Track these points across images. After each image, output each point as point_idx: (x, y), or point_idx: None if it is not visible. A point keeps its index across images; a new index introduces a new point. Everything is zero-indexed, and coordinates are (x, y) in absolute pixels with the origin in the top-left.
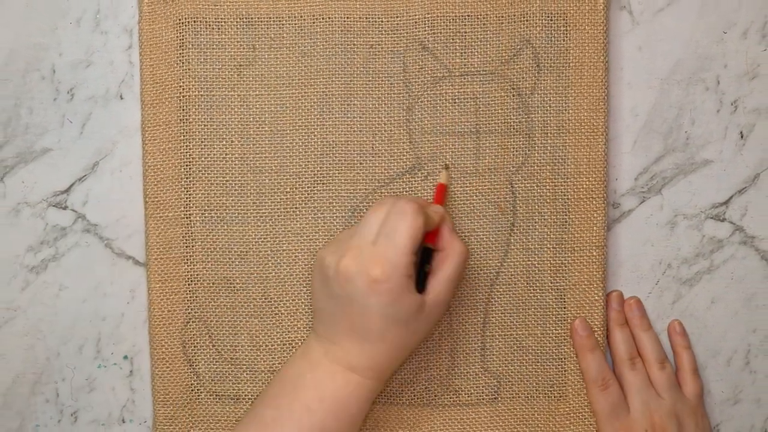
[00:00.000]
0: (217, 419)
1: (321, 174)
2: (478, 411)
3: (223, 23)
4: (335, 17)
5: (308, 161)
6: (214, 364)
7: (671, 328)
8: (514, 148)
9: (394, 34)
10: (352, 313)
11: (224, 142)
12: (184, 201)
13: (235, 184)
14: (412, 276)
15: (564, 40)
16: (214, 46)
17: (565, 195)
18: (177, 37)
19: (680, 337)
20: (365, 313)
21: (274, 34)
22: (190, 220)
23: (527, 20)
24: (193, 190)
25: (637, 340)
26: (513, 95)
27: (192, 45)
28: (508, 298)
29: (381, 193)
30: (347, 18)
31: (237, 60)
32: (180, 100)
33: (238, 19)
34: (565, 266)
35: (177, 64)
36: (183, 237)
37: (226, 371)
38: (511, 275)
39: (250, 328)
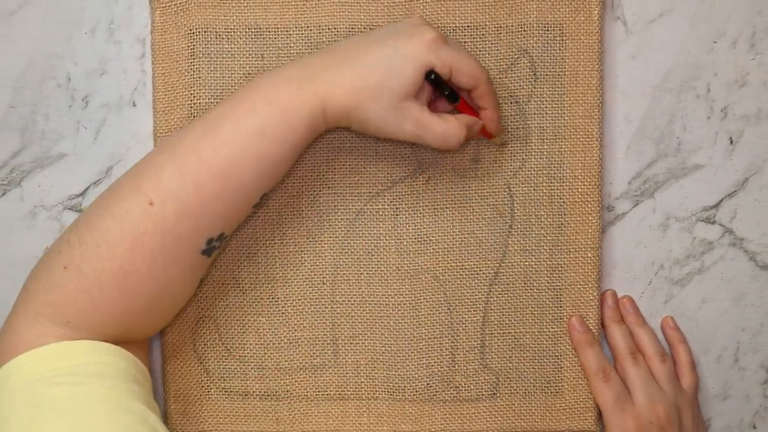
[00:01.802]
0: (226, 414)
1: (326, 177)
2: (478, 406)
3: (232, 33)
4: (340, 27)
5: (314, 165)
6: (223, 362)
7: (665, 323)
8: (511, 153)
9: None
10: (368, 36)
11: None
12: None
13: None
14: (428, 72)
15: (560, 50)
16: (224, 55)
17: (561, 198)
18: (188, 46)
19: (675, 332)
20: (377, 42)
21: (282, 44)
22: None
23: (524, 30)
24: None
25: (634, 335)
26: (511, 102)
27: (202, 54)
28: (506, 297)
29: (384, 196)
30: (351, 28)
31: (246, 68)
32: (191, 107)
33: (247, 29)
34: (562, 267)
35: (188, 72)
36: None
37: (235, 368)
38: (510, 275)
39: (258, 326)
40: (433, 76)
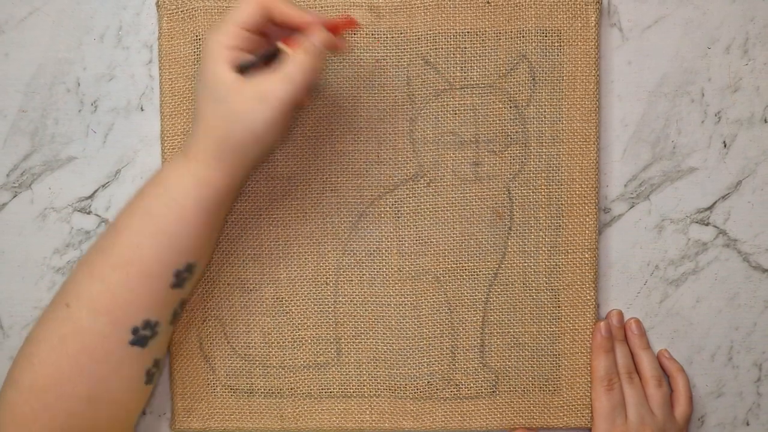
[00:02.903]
0: (232, 411)
1: (329, 181)
2: (478, 404)
3: None
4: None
5: (318, 169)
6: (229, 360)
7: (660, 356)
8: (511, 156)
9: (399, 49)
10: (196, 83)
11: None
12: None
13: (249, 190)
14: (234, 53)
15: (558, 55)
16: None
17: (559, 201)
18: (194, 52)
19: (671, 362)
20: (198, 81)
21: None
22: None
23: (523, 36)
24: None
25: (635, 357)
26: (510, 107)
27: None
28: (505, 297)
29: (386, 199)
30: (354, 34)
31: None
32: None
33: None
34: (560, 268)
35: (194, 77)
36: None
37: (240, 366)
38: (509, 276)
39: (263, 326)
40: (240, 68)
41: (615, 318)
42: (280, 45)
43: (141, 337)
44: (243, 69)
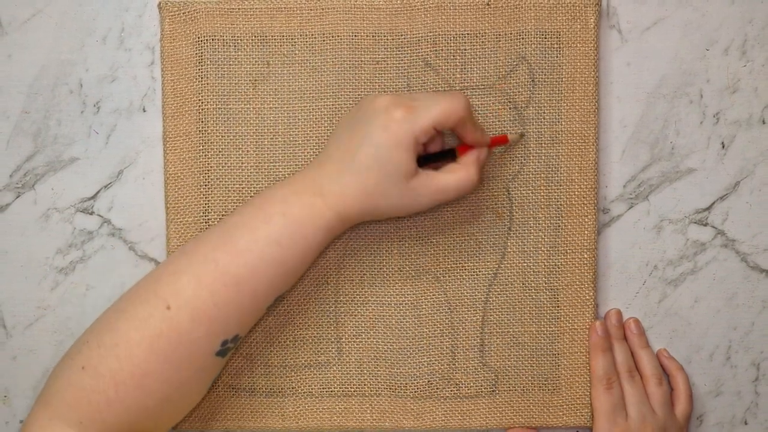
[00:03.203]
0: (233, 411)
1: None
2: (478, 403)
3: (239, 41)
4: (344, 35)
5: None
6: (231, 359)
7: (660, 355)
8: (510, 157)
9: (399, 51)
10: (353, 136)
11: (240, 152)
12: (203, 207)
13: (251, 191)
14: (419, 146)
15: (557, 57)
16: (231, 63)
17: (558, 201)
18: (196, 54)
19: (670, 361)
20: (362, 142)
21: (287, 51)
22: (209, 225)
23: (523, 38)
24: (212, 197)
25: (635, 356)
26: (510, 108)
27: (210, 61)
28: (505, 297)
29: None
30: (355, 36)
31: (252, 75)
32: (199, 112)
33: (254, 38)
34: (559, 268)
35: (196, 79)
36: None
37: (242, 366)
38: (508, 276)
39: (265, 325)
40: (422, 158)
41: (614, 317)
42: (457, 152)
43: (226, 348)
44: (420, 163)
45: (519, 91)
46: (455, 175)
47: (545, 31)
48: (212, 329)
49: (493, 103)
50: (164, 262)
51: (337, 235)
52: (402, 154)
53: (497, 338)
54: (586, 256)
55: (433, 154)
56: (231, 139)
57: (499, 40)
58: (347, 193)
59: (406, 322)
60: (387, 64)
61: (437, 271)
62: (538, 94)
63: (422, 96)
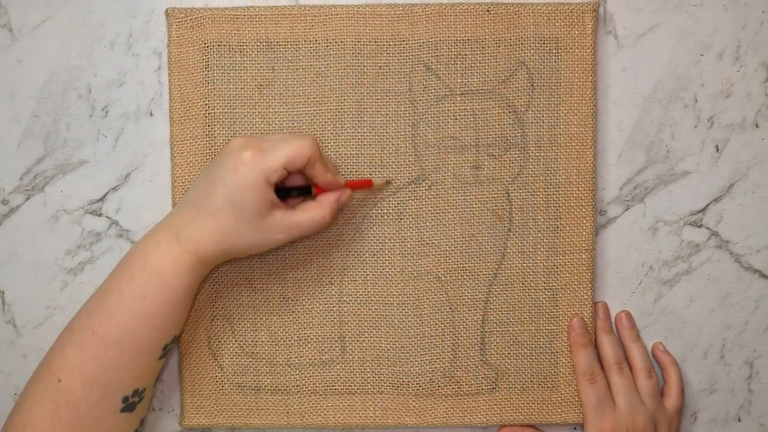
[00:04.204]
0: (239, 408)
1: None
2: (478, 400)
3: (244, 47)
4: (347, 41)
5: None
6: (236, 358)
7: (655, 348)
8: (510, 160)
9: (401, 56)
10: (207, 182)
11: None
12: None
13: None
14: (271, 185)
15: (556, 62)
16: (237, 68)
17: (557, 203)
18: (202, 59)
19: (665, 355)
20: (216, 184)
21: (292, 57)
22: None
23: (522, 44)
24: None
25: (626, 349)
26: (509, 112)
27: (216, 66)
28: (505, 297)
29: (388, 201)
30: (358, 42)
31: (257, 80)
32: (205, 116)
33: (259, 43)
34: (557, 268)
35: (202, 83)
36: None
37: (247, 364)
38: (508, 276)
39: (269, 324)
40: (282, 191)
41: (600, 310)
42: (313, 191)
43: (130, 404)
44: (279, 195)
45: (518, 96)
46: (309, 214)
47: (544, 37)
48: (107, 391)
49: (493, 107)
50: (57, 338)
51: (203, 276)
52: (253, 194)
53: (497, 337)
54: (583, 256)
55: (291, 188)
56: None
57: (499, 46)
58: (203, 235)
59: (408, 321)
60: (389, 68)
61: (439, 272)
62: (537, 98)
63: (274, 137)
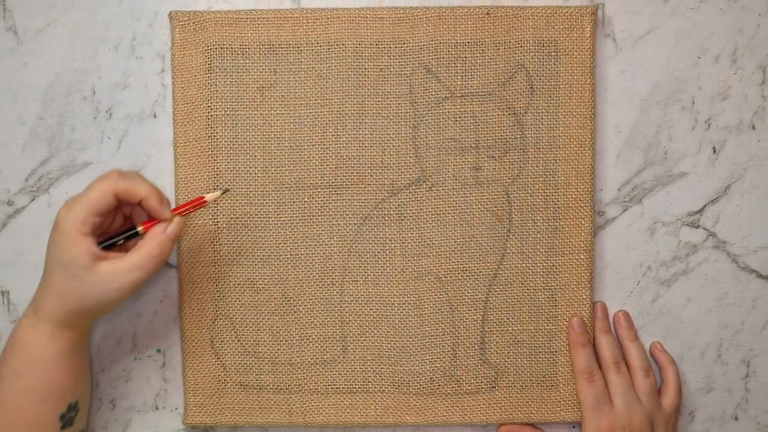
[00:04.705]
0: (242, 407)
1: (335, 185)
2: (478, 399)
3: (247, 49)
4: (348, 44)
5: (324, 174)
6: (239, 357)
7: (653, 347)
8: (510, 161)
9: (402, 59)
10: (47, 249)
11: (248, 157)
12: (212, 210)
13: (258, 194)
14: (88, 236)
15: (555, 65)
16: (239, 70)
17: (556, 204)
18: (205, 62)
19: (663, 354)
20: (48, 248)
21: (293, 59)
22: (218, 227)
23: (521, 47)
24: (220, 200)
25: (624, 349)
26: (509, 114)
27: (219, 69)
28: (504, 297)
29: (389, 202)
30: (359, 44)
31: (260, 82)
32: (208, 118)
33: (261, 46)
34: (556, 268)
35: (205, 86)
36: (211, 242)
37: (249, 363)
38: (508, 276)
39: (272, 324)
40: (100, 245)
41: (599, 310)
42: (139, 228)
43: None
44: (103, 246)
45: (518, 98)
46: (136, 255)
47: (543, 40)
48: None
49: (492, 110)
50: None
51: (74, 340)
52: (71, 249)
53: (497, 336)
54: (582, 257)
55: (116, 236)
56: (239, 144)
57: (499, 49)
58: (46, 299)
59: (409, 321)
60: (390, 71)
61: (439, 272)
62: (537, 100)
63: (86, 188)
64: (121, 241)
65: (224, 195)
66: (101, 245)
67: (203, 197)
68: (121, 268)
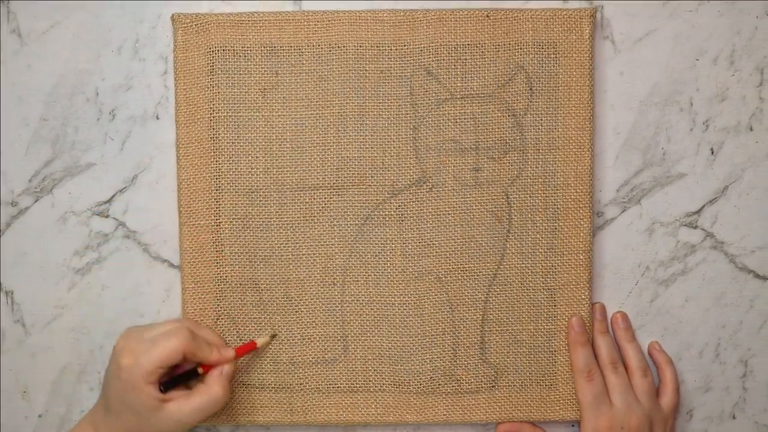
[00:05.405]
0: (244, 405)
1: (336, 186)
2: (478, 398)
3: (249, 51)
4: (349, 46)
5: (325, 174)
6: (241, 357)
7: (651, 348)
8: (509, 163)
9: (402, 61)
10: (106, 383)
11: (250, 158)
12: (214, 210)
13: (260, 195)
14: (153, 384)
15: (554, 66)
16: (241, 72)
17: (555, 205)
18: (208, 63)
19: (661, 354)
20: (110, 386)
21: (295, 61)
22: (220, 228)
23: (521, 48)
24: (222, 201)
25: (622, 349)
26: (508, 115)
27: (221, 71)
28: (504, 297)
29: (390, 203)
30: (360, 46)
31: (261, 84)
32: (210, 120)
33: (263, 48)
34: (556, 268)
35: (208, 87)
36: (213, 243)
37: (251, 363)
38: (508, 276)
39: (273, 324)
40: (162, 389)
41: (598, 311)
42: (199, 370)
43: None
44: (164, 387)
45: (517, 99)
46: (201, 397)
47: (542, 42)
48: None
49: (492, 111)
50: None
51: None
52: (138, 395)
53: (497, 336)
54: (581, 257)
55: (178, 376)
56: (241, 145)
57: (498, 50)
58: (116, 429)
59: (410, 321)
60: (390, 72)
61: (439, 272)
62: (536, 102)
63: (152, 333)
64: (183, 381)
65: (273, 340)
66: (164, 387)
67: (254, 342)
68: (190, 411)
